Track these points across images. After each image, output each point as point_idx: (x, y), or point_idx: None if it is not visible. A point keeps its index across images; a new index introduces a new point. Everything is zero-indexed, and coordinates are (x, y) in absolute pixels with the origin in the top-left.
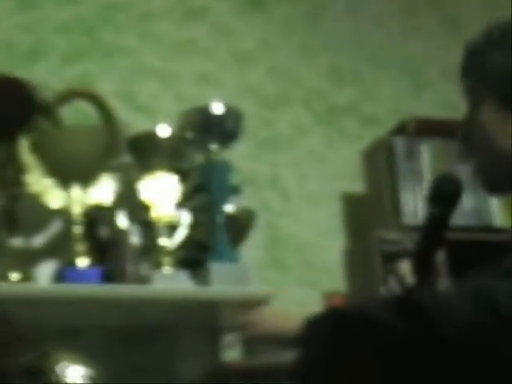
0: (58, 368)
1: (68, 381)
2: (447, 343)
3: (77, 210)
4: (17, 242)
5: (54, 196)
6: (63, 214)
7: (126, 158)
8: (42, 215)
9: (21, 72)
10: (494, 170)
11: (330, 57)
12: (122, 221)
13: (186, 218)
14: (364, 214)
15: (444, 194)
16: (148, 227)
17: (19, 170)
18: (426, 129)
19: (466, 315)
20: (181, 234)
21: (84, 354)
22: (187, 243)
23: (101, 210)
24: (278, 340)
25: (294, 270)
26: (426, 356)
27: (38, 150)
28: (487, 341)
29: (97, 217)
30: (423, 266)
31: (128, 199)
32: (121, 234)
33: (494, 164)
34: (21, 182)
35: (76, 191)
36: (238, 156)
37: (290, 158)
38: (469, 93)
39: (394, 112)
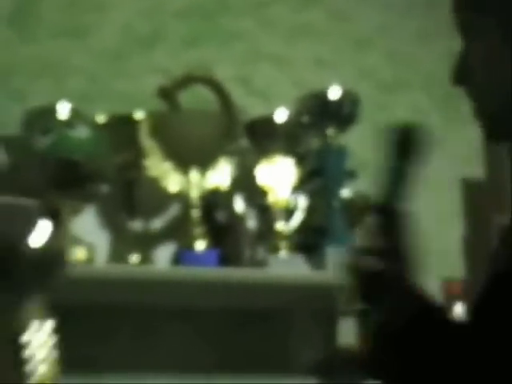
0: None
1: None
2: None
3: (195, 193)
4: (136, 225)
5: (172, 180)
6: (181, 197)
7: (244, 143)
8: (161, 199)
9: (140, 58)
10: (495, 114)
11: (449, 41)
12: (239, 205)
13: (302, 202)
14: (484, 200)
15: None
16: (265, 211)
17: (139, 154)
18: None
19: None
20: (297, 218)
21: (200, 337)
22: (303, 227)
23: (218, 193)
24: None
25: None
26: None
27: (157, 134)
28: None
29: (214, 201)
30: None
31: (245, 183)
32: (238, 218)
33: (494, 106)
34: (140, 166)
35: (194, 175)
36: (355, 141)
37: None
38: (467, 25)
39: None
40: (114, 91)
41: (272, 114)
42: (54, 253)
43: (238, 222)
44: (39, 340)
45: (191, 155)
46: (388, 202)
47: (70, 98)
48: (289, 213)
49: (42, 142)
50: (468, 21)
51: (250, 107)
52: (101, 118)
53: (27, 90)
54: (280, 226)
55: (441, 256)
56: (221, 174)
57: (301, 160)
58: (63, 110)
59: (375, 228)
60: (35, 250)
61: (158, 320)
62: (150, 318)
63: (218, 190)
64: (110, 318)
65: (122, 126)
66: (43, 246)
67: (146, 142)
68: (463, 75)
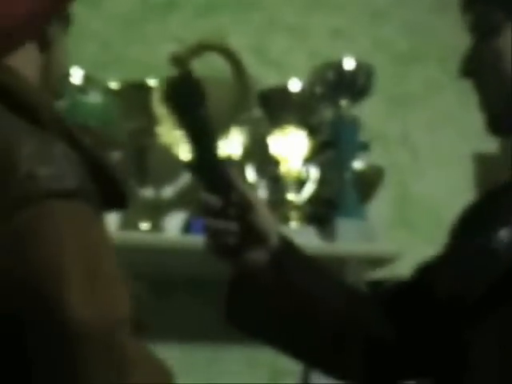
0: None
1: None
2: None
3: None
4: (147, 192)
5: (184, 148)
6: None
7: (256, 113)
8: (172, 167)
9: (155, 25)
10: (500, 108)
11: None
12: (251, 175)
13: (314, 173)
14: (496, 175)
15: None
16: (276, 182)
17: (151, 121)
18: None
19: None
20: (308, 189)
21: (210, 307)
22: (315, 199)
23: (230, 163)
24: None
25: (423, 229)
26: None
27: None
28: None
29: None
30: None
31: (257, 153)
32: (249, 188)
33: (500, 101)
34: (152, 134)
35: None
36: (368, 113)
37: (422, 116)
38: (480, 20)
39: None
40: (127, 58)
41: (286, 84)
42: None
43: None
44: None
45: None
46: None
47: (83, 64)
48: (300, 184)
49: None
50: (480, 15)
51: (263, 77)
52: (114, 85)
53: None
54: (291, 196)
55: None
56: (233, 144)
57: (313, 131)
58: (76, 76)
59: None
60: None
61: (168, 288)
62: (160, 286)
63: (230, 160)
64: None
65: (135, 93)
66: None
67: (159, 109)
68: (473, 68)
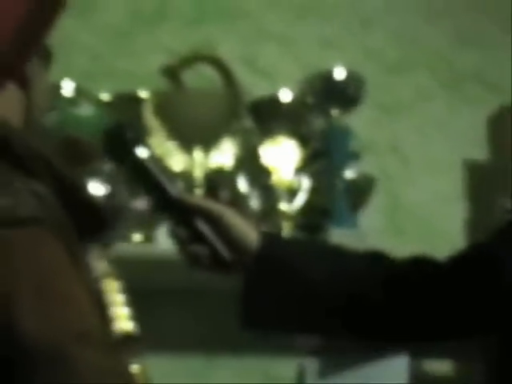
0: None
1: None
2: None
3: (198, 173)
4: (139, 203)
5: (176, 159)
6: (185, 177)
7: (248, 123)
8: None
9: (145, 36)
10: None
11: (455, 20)
12: (243, 185)
13: (306, 183)
14: (487, 183)
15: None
16: (268, 192)
17: (142, 132)
18: None
19: None
20: (301, 198)
21: (202, 318)
22: (307, 208)
23: (222, 173)
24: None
25: (414, 237)
26: None
27: (161, 113)
28: None
29: (218, 180)
30: None
31: (249, 163)
32: (241, 198)
33: None
34: (144, 145)
35: (198, 154)
36: (359, 121)
37: (412, 124)
38: None
39: None
40: (118, 69)
41: (276, 94)
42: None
43: (241, 201)
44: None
45: (195, 135)
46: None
47: (73, 77)
48: (292, 193)
49: (47, 119)
50: None
51: (254, 87)
52: (105, 97)
53: None
54: (283, 206)
55: (444, 238)
56: (224, 154)
57: (304, 141)
58: (67, 88)
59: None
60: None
61: (160, 300)
62: (152, 298)
63: (222, 170)
64: None
65: (126, 104)
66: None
67: (150, 121)
68: None
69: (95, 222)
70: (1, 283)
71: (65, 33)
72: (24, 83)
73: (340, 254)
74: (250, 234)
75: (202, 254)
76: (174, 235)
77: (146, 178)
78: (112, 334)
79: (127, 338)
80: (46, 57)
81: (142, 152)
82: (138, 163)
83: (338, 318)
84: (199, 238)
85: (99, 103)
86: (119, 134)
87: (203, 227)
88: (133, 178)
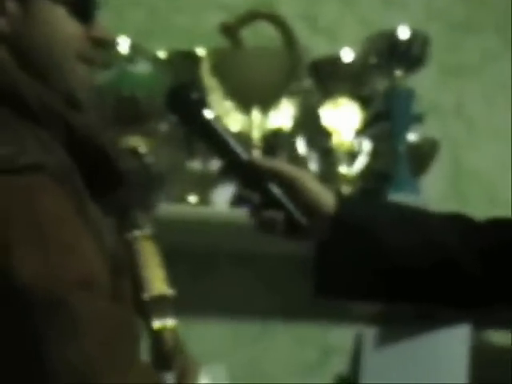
0: None
1: None
2: None
3: (256, 134)
4: (195, 164)
5: (233, 119)
6: (242, 137)
7: (307, 83)
8: None
9: None
10: None
11: None
12: (302, 147)
13: (366, 146)
14: None
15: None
16: (327, 154)
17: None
18: None
19: None
20: (361, 162)
21: (259, 282)
22: (367, 172)
23: (280, 135)
24: None
25: (477, 204)
26: None
27: (219, 72)
28: None
29: (276, 142)
30: None
31: (308, 125)
32: (300, 161)
33: None
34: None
35: (256, 115)
36: (423, 83)
37: (478, 87)
38: None
39: None
40: (174, 26)
41: (337, 54)
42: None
43: (300, 164)
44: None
45: (253, 94)
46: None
47: (129, 33)
48: (352, 157)
49: (102, 76)
50: None
51: (314, 46)
52: (162, 54)
53: None
54: (343, 169)
55: (507, 206)
56: (283, 115)
57: (366, 102)
58: (123, 45)
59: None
60: None
61: (217, 262)
62: (209, 260)
63: (280, 131)
64: (168, 259)
65: (183, 62)
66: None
67: (208, 79)
68: None
69: (111, 177)
70: None
71: None
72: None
73: (423, 220)
74: (326, 197)
75: (277, 219)
76: (244, 200)
77: (215, 139)
78: (123, 286)
79: (161, 299)
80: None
81: (208, 113)
82: (207, 125)
83: (422, 288)
84: (272, 202)
85: (156, 61)
86: (185, 94)
87: (277, 191)
88: (201, 139)
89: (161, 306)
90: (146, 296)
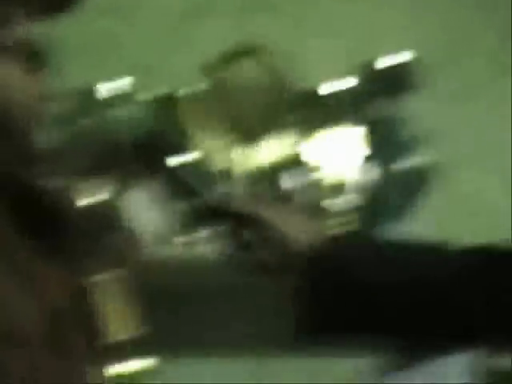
0: None
1: None
2: None
3: (240, 171)
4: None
5: (217, 158)
6: (225, 175)
7: (291, 117)
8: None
9: (182, 34)
10: None
11: None
12: (286, 182)
13: (355, 177)
14: None
15: None
16: (312, 189)
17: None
18: None
19: None
20: (347, 195)
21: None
22: (356, 204)
23: (265, 171)
24: None
25: (473, 230)
26: None
27: (201, 111)
28: None
29: (260, 178)
30: None
31: (292, 160)
32: (284, 196)
33: None
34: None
35: (239, 152)
36: (414, 110)
37: (475, 112)
38: None
39: None
40: (155, 68)
41: (319, 86)
42: None
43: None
44: None
45: (237, 131)
46: None
47: (111, 77)
48: (339, 190)
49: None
50: None
51: (300, 79)
52: (144, 97)
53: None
54: (329, 203)
55: (508, 233)
56: (267, 151)
57: (355, 134)
58: (103, 89)
59: None
60: None
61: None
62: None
63: (265, 167)
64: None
65: (164, 105)
66: None
67: (190, 120)
68: None
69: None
70: None
71: (103, 33)
72: None
73: (413, 253)
74: (301, 234)
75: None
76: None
77: (180, 187)
78: (69, 336)
79: (128, 340)
80: (34, 57)
81: (176, 160)
82: (172, 172)
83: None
84: (246, 245)
85: (138, 104)
86: (151, 143)
87: (249, 234)
88: (167, 188)
89: (117, 351)
90: (100, 343)
